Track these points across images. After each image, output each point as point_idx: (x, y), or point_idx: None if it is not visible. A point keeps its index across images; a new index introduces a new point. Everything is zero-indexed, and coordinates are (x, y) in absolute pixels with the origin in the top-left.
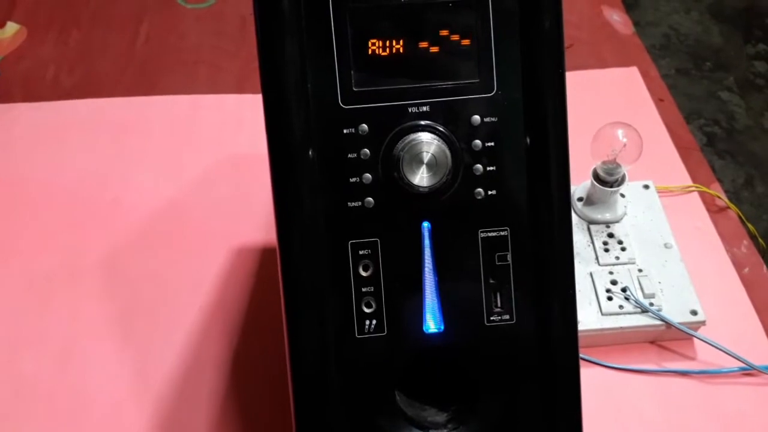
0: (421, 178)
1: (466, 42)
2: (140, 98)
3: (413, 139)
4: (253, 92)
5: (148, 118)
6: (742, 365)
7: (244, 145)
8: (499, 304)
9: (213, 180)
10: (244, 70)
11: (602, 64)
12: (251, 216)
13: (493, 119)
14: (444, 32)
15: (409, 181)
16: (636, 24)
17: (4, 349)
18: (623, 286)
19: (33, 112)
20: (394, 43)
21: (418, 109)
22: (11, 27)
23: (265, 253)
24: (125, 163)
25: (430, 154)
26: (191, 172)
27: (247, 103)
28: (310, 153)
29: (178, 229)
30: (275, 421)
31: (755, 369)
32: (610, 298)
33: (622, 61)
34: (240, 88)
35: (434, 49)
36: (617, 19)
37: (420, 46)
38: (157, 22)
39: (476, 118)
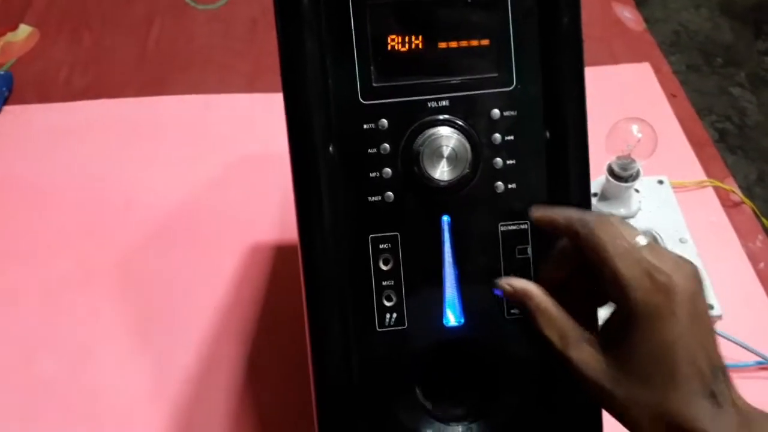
0: (441, 172)
1: (484, 36)
2: (152, 98)
3: (433, 134)
4: (264, 92)
5: (160, 119)
6: (759, 359)
7: (256, 144)
8: None
9: (225, 180)
10: (254, 70)
11: (614, 60)
12: (264, 215)
13: (512, 113)
14: (463, 27)
15: (429, 175)
16: (645, 21)
17: (21, 351)
18: None
19: (46, 113)
20: (413, 38)
21: (437, 103)
22: (24, 29)
23: (279, 251)
24: (138, 163)
25: (449, 148)
26: (204, 172)
27: (258, 102)
28: (330, 149)
29: (191, 229)
30: (292, 418)
31: None
32: None
33: (633, 57)
34: (251, 88)
35: (453, 44)
36: (628, 15)
37: (439, 41)
38: (168, 24)
39: (496, 112)
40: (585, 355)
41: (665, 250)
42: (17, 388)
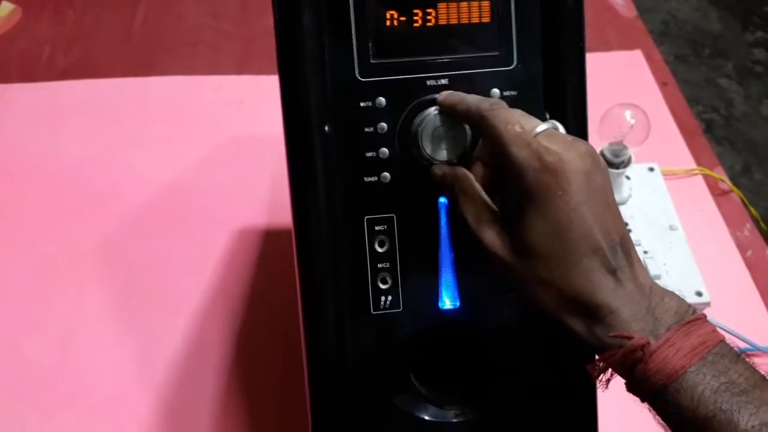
0: (439, 152)
1: (486, 14)
2: (139, 79)
3: (432, 113)
4: (253, 73)
5: (146, 100)
6: (747, 346)
7: (244, 126)
8: None
9: (213, 162)
10: (244, 51)
11: (606, 47)
12: (252, 198)
13: (512, 93)
14: (463, 4)
15: (427, 155)
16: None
17: (6, 334)
18: None
19: (29, 93)
20: (412, 14)
21: (436, 82)
22: (6, 6)
23: (267, 235)
24: (124, 145)
25: (448, 129)
26: (191, 154)
27: (247, 84)
28: (326, 128)
29: (178, 212)
30: (279, 403)
31: (759, 350)
32: None
33: (625, 44)
34: (240, 70)
35: (453, 21)
36: (620, 2)
37: (439, 17)
38: (155, 3)
39: (495, 91)
40: (494, 234)
41: (563, 134)
42: (2, 371)
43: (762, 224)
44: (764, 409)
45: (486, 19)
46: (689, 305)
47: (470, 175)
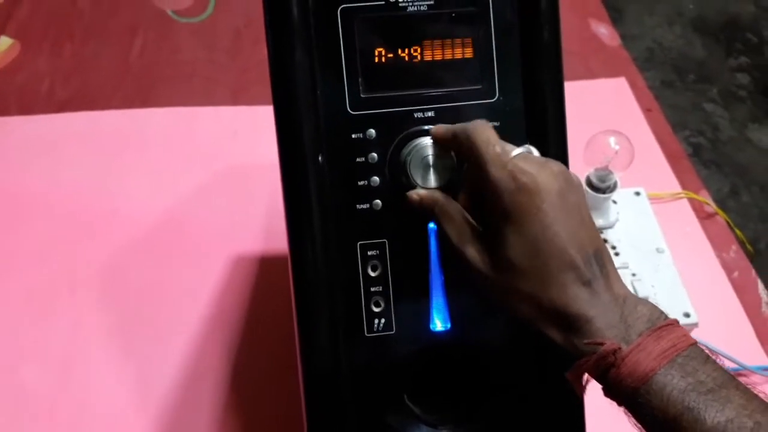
0: (427, 180)
1: (468, 50)
2: (136, 111)
3: (419, 144)
4: (248, 104)
5: (143, 131)
6: (735, 366)
7: (239, 156)
8: None
9: (210, 191)
10: (238, 82)
11: (591, 75)
12: (248, 226)
13: (496, 124)
14: (447, 41)
15: (416, 183)
16: (621, 37)
17: (4, 361)
18: None
19: (28, 125)
20: (399, 51)
21: (423, 114)
22: (4, 41)
23: (263, 262)
24: (122, 175)
25: (435, 158)
26: (188, 183)
27: (242, 114)
28: (320, 158)
29: (176, 239)
30: (276, 426)
31: (747, 369)
32: None
33: (609, 72)
34: (235, 100)
35: (438, 57)
36: (604, 31)
37: (424, 54)
38: (151, 36)
39: None
40: (475, 250)
41: (537, 156)
42: (0, 396)
43: (748, 246)
44: (730, 407)
45: (469, 55)
46: (661, 312)
47: (448, 199)
